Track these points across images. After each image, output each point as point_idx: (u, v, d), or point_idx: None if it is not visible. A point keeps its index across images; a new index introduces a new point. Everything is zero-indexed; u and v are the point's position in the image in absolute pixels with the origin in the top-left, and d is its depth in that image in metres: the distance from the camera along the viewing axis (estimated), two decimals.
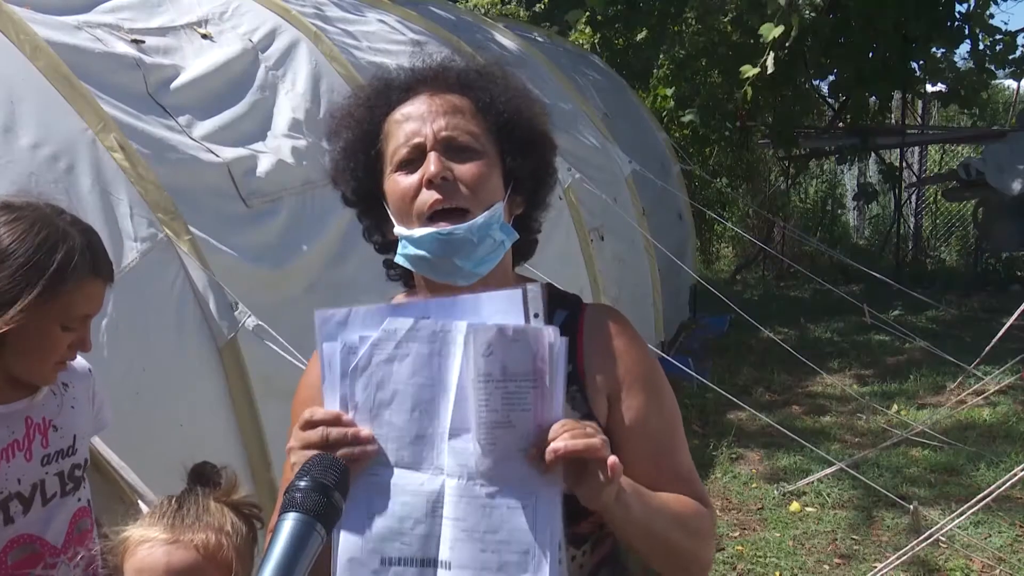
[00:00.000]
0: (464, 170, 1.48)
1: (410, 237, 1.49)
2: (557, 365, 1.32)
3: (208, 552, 1.63)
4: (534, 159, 1.58)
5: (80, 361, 1.99)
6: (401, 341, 1.34)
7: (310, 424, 1.37)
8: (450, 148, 1.49)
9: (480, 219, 1.48)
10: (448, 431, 1.33)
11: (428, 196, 1.47)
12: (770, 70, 7.73)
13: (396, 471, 1.35)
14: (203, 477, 1.75)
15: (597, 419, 1.51)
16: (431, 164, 1.47)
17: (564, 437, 1.30)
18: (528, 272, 1.70)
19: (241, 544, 1.68)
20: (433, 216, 1.48)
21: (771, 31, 7.52)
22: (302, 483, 1.25)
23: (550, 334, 1.31)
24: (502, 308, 1.34)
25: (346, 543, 1.35)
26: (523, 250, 1.65)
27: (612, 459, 1.30)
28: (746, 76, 8.02)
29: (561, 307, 1.60)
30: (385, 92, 1.57)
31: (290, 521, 1.21)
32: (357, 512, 1.34)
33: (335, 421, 1.36)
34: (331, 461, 1.30)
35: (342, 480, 1.28)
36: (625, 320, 1.61)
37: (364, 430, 1.35)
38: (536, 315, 1.34)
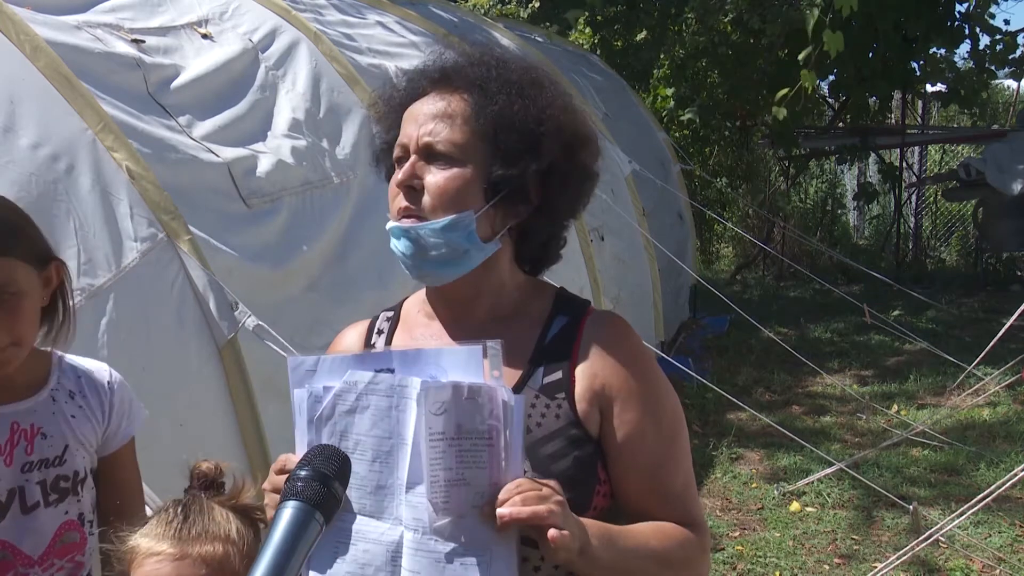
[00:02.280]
0: (431, 180, 1.51)
1: (387, 228, 1.56)
2: (513, 424, 1.33)
3: (215, 563, 1.64)
4: (524, 168, 1.52)
5: (103, 373, 1.94)
6: (361, 393, 1.37)
7: (282, 471, 1.41)
8: (429, 154, 1.52)
9: (436, 223, 1.50)
10: (405, 485, 1.34)
11: (399, 200, 1.53)
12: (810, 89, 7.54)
13: (359, 518, 1.37)
14: (205, 479, 1.76)
15: (586, 428, 1.49)
16: (402, 171, 1.52)
17: (514, 502, 1.30)
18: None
19: (247, 550, 1.69)
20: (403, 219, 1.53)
21: (836, 42, 7.26)
22: (303, 472, 1.27)
23: (504, 393, 1.33)
24: (462, 363, 1.37)
25: None
26: (534, 261, 1.64)
27: (552, 533, 1.29)
28: (781, 95, 7.86)
29: (564, 313, 1.58)
30: (418, 80, 1.61)
31: (289, 509, 1.23)
32: (322, 555, 1.36)
33: None
34: (332, 451, 1.31)
35: (342, 470, 1.30)
36: (628, 329, 1.58)
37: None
38: (497, 374, 1.35)
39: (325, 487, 1.25)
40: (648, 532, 1.48)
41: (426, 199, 1.51)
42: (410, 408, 1.34)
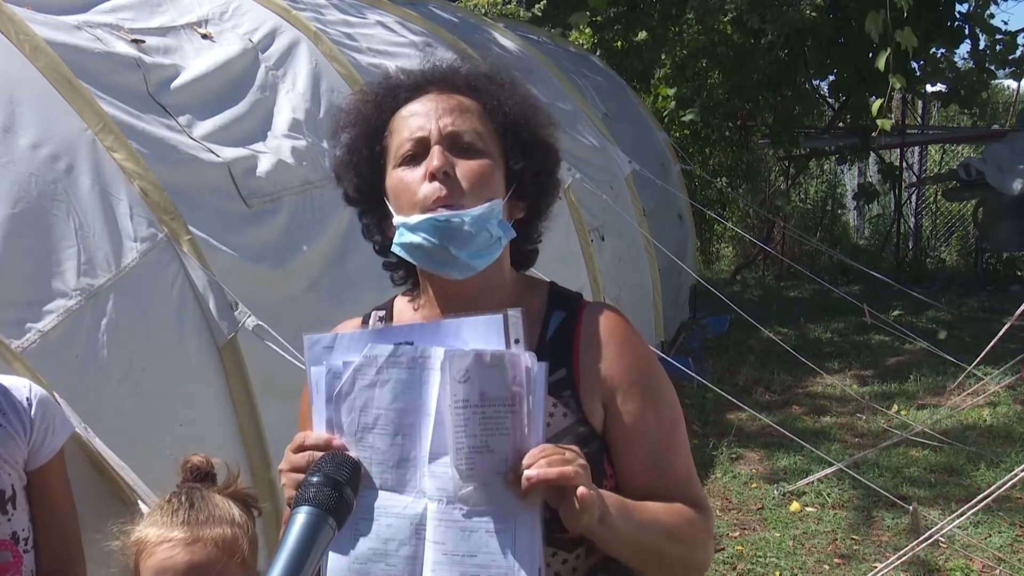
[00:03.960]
0: (466, 167, 1.50)
1: (407, 223, 1.50)
2: (535, 390, 1.34)
3: (226, 546, 1.69)
4: (537, 163, 1.59)
5: (22, 390, 1.92)
6: (382, 367, 1.36)
7: (301, 448, 1.40)
8: (454, 144, 1.51)
9: (477, 209, 1.48)
10: (428, 455, 1.34)
11: (431, 190, 1.48)
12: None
13: (381, 493, 1.36)
14: (198, 472, 1.78)
15: (591, 423, 1.50)
16: (435, 158, 1.48)
17: (540, 464, 1.31)
18: (529, 272, 1.70)
19: (251, 533, 1.74)
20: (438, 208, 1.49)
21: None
22: (315, 479, 1.28)
23: (528, 359, 1.34)
24: (483, 333, 1.37)
25: (333, 564, 1.37)
26: (524, 259, 1.66)
27: (582, 490, 1.30)
28: (879, 106, 7.52)
29: (560, 308, 1.60)
30: (394, 91, 1.59)
31: (302, 515, 1.24)
32: (343, 533, 1.34)
33: (324, 446, 1.38)
34: (343, 458, 1.32)
35: (353, 476, 1.31)
36: (623, 319, 1.60)
37: (350, 454, 1.36)
38: (517, 340, 1.36)
39: (337, 493, 1.26)
40: (659, 508, 1.50)
41: (463, 186, 1.49)
42: (432, 379, 1.34)
